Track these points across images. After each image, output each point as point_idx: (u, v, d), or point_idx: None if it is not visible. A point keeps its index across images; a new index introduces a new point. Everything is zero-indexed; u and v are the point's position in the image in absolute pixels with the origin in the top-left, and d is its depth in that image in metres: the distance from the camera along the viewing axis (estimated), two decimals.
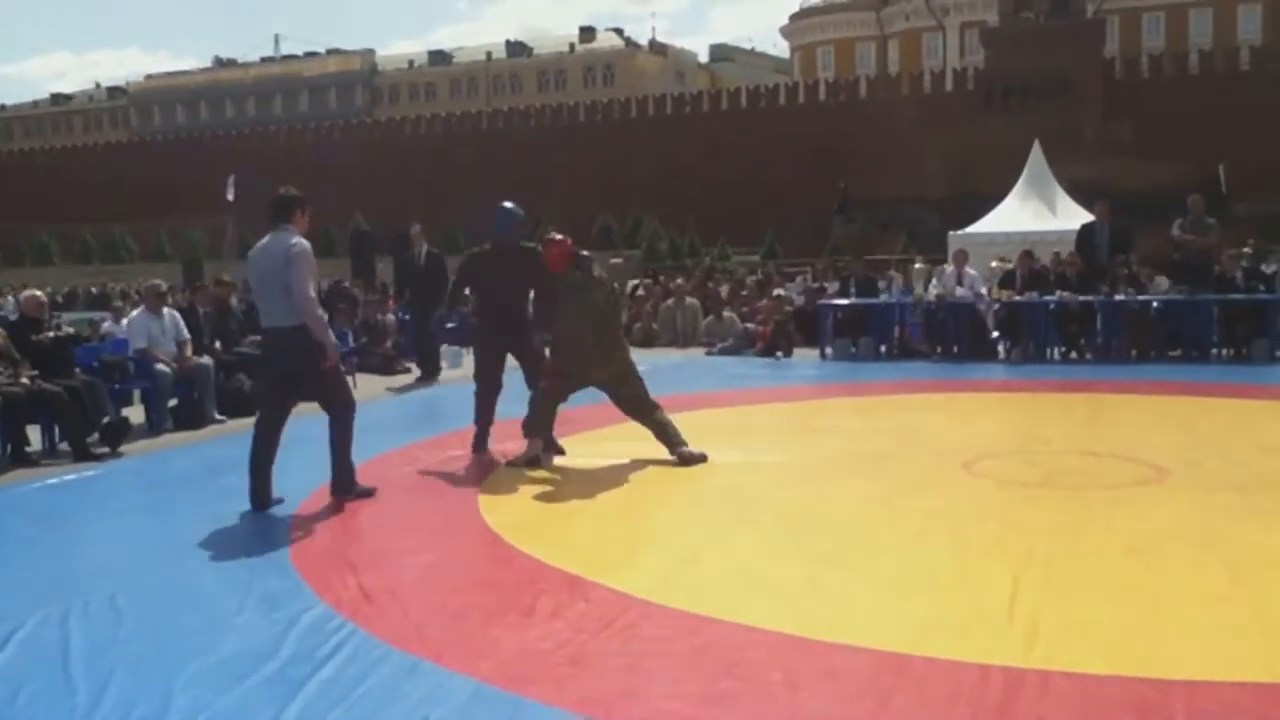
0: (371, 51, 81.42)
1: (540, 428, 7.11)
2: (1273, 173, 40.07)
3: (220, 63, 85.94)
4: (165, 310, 9.57)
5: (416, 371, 13.18)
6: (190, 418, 9.19)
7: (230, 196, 23.41)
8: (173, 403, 9.29)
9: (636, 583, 4.42)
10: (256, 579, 4.63)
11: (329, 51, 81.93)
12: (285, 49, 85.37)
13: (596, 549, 5.05)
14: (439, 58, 79.83)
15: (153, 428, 8.99)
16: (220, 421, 9.30)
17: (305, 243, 5.94)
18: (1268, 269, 16.01)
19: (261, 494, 5.92)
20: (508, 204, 7.61)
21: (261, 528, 5.56)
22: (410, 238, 13.34)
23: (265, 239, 6.05)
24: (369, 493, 6.11)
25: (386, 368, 13.08)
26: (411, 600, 4.30)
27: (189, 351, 9.43)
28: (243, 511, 5.86)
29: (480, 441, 7.57)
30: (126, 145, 71.82)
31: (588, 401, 8.40)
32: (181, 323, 9.58)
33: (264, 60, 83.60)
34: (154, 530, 5.76)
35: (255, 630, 3.99)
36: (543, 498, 6.17)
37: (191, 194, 54.95)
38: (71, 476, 7.22)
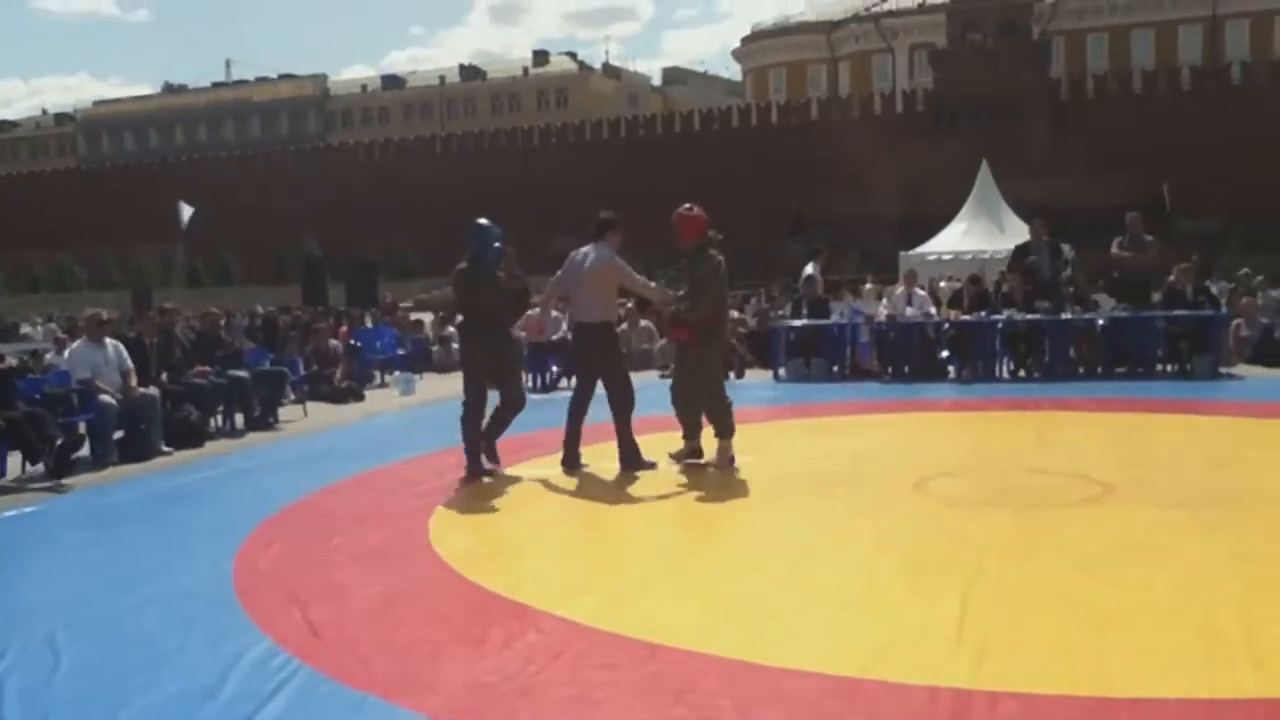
0: (324, 76, 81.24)
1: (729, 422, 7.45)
2: (1214, 190, 40.93)
3: (170, 88, 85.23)
4: (108, 340, 9.41)
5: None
6: (136, 450, 9.00)
7: (184, 223, 23.16)
8: (118, 435, 9.11)
9: (588, 610, 4.39)
10: (200, 615, 4.55)
11: (281, 76, 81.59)
12: (237, 74, 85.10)
13: (548, 577, 5.02)
14: (392, 82, 79.79)
15: (97, 460, 8.79)
16: (167, 453, 9.13)
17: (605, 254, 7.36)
18: (1213, 286, 16.30)
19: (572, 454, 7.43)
20: (483, 220, 7.60)
21: (207, 562, 5.46)
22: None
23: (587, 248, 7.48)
24: (651, 465, 7.27)
25: (337, 396, 12.94)
26: (359, 634, 4.24)
27: (133, 382, 9.27)
28: (188, 545, 5.76)
29: (475, 461, 7.46)
30: (74, 172, 70.99)
31: (543, 426, 8.38)
32: (124, 352, 9.41)
33: (215, 86, 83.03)
34: (97, 566, 5.64)
35: (198, 668, 3.91)
36: (494, 526, 6.13)
37: (141, 221, 54.30)
38: (12, 512, 7.06)
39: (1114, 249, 13.48)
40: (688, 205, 7.62)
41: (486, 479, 7.31)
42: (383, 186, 58.51)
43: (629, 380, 7.55)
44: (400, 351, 16.52)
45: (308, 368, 13.08)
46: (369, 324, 19.61)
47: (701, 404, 7.48)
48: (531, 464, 7.78)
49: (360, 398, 13.23)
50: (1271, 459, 7.38)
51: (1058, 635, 3.97)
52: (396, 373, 15.09)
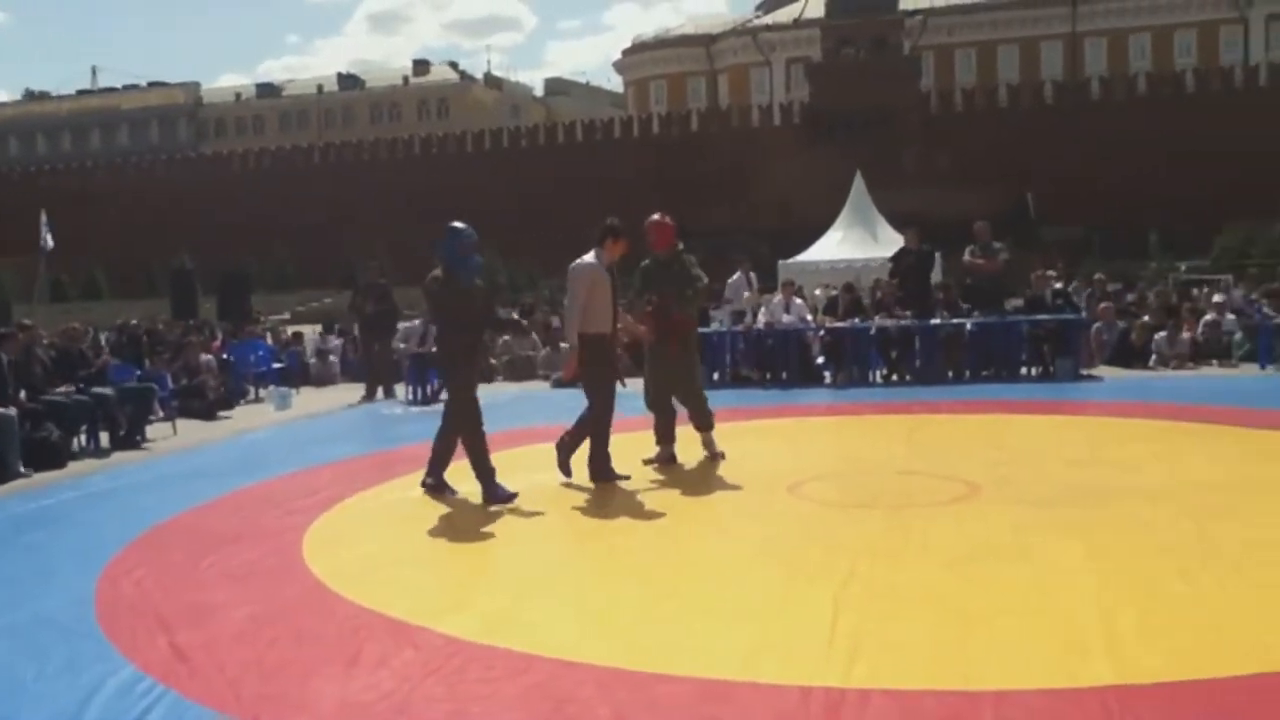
0: (196, 84, 79.02)
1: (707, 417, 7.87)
2: (1075, 199, 42.72)
3: (31, 95, 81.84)
4: None
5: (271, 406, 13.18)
6: None
7: (47, 243, 22.14)
8: None
9: (465, 625, 4.36)
10: (59, 643, 4.37)
11: (150, 84, 79.13)
12: (104, 81, 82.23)
13: (424, 593, 4.96)
14: (268, 90, 78.08)
15: None
16: (26, 475, 8.74)
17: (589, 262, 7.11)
18: (1076, 296, 16.98)
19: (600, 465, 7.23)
20: (458, 224, 7.05)
21: (67, 587, 5.24)
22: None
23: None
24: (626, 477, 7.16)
25: (208, 412, 12.57)
26: (227, 657, 4.12)
27: None
28: (48, 571, 5.53)
29: (491, 484, 6.89)
30: None
31: (420, 440, 8.27)
32: None
33: (80, 93, 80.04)
34: None
35: (56, 698, 3.76)
36: (370, 542, 6.03)
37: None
38: None
39: (966, 256, 13.98)
40: (658, 214, 7.76)
41: (509, 501, 6.74)
42: (258, 197, 57.07)
43: (608, 399, 7.25)
44: (276, 365, 16.14)
45: (177, 383, 12.67)
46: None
47: (674, 403, 7.83)
48: (409, 479, 7.67)
49: (230, 417, 12.85)
50: (1127, 458, 7.72)
51: (926, 633, 4.09)
52: (271, 387, 14.74)
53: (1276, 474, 6.93)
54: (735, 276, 15.57)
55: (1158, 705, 3.38)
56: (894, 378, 13.57)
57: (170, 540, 6.19)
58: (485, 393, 7.52)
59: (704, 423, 8.01)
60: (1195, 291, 19.03)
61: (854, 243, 24.15)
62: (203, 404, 12.69)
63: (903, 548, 5.39)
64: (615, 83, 75.64)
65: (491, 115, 68.60)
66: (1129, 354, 14.17)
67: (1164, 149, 44.88)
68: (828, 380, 13.62)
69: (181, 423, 11.66)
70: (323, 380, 16.54)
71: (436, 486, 7.12)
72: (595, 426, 7.29)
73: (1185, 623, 4.11)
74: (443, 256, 6.93)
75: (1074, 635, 3.99)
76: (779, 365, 13.85)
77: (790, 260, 24.17)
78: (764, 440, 9.26)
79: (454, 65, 78.24)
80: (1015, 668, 3.71)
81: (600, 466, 7.28)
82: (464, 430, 6.91)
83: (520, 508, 6.62)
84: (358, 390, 14.43)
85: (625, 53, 69.55)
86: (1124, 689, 3.47)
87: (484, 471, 6.84)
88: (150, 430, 11.00)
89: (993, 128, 48.36)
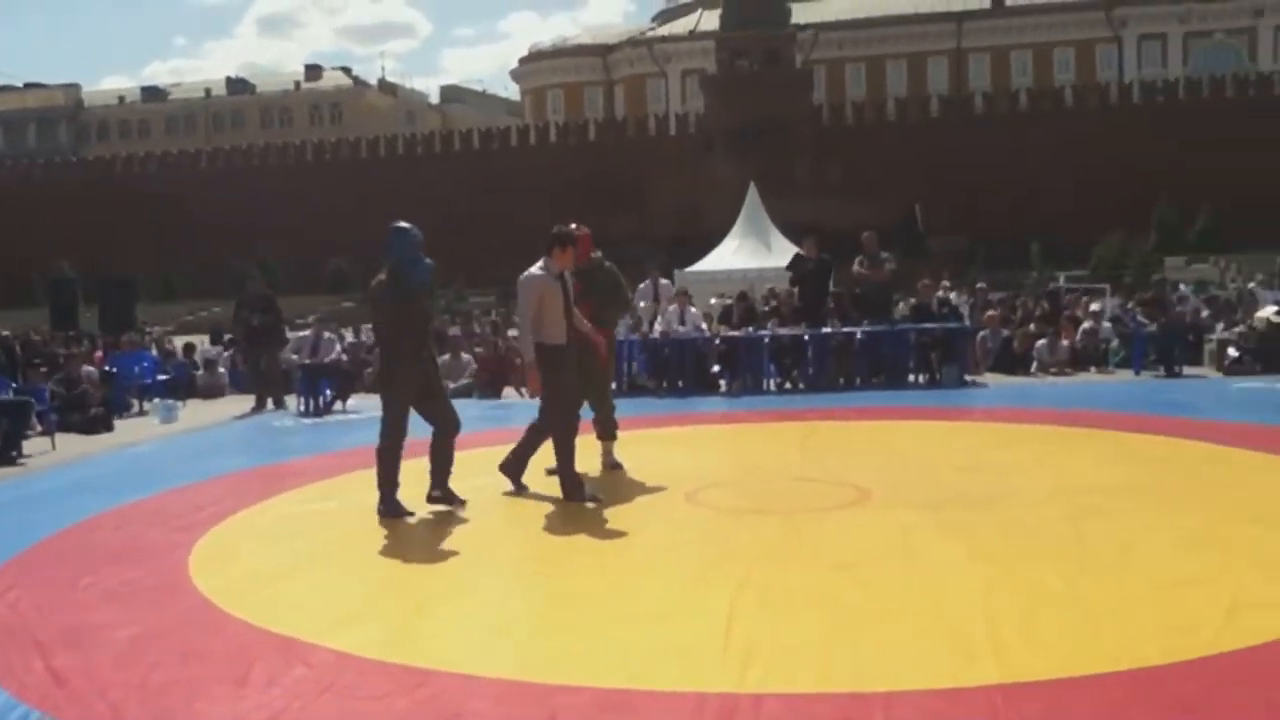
0: (77, 86, 76.34)
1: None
2: (962, 211, 43.99)
3: None
4: None
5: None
6: None
7: None
8: None
9: (359, 640, 4.29)
10: None
11: (27, 85, 76.24)
12: None
13: (317, 609, 4.85)
14: (153, 94, 75.89)
15: None
16: None
17: (535, 274, 6.87)
18: (962, 303, 17.47)
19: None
20: (403, 224, 6.77)
21: None
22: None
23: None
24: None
25: (90, 426, 12.13)
26: (109, 680, 3.98)
27: None
28: None
29: (392, 500, 6.70)
30: None
31: (310, 453, 8.14)
32: None
33: None
34: None
35: None
36: (261, 558, 5.89)
37: None
38: None
39: (855, 267, 14.29)
40: (574, 224, 7.55)
41: (410, 518, 6.59)
42: (144, 203, 55.41)
43: (567, 411, 7.07)
44: (161, 377, 15.66)
45: (56, 396, 12.21)
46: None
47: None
48: (301, 492, 7.52)
49: (110, 428, 12.43)
50: (1010, 462, 7.97)
51: (818, 636, 4.16)
52: (156, 400, 14.30)
53: (1149, 476, 7.22)
54: (644, 284, 15.64)
55: (1041, 702, 3.49)
56: (788, 386, 13.79)
57: (47, 559, 5.96)
58: (378, 401, 7.37)
59: (611, 431, 8.05)
60: (1067, 298, 19.74)
61: (749, 252, 24.47)
62: (84, 418, 12.24)
63: (796, 552, 5.48)
64: (512, 91, 75.44)
65: (386, 122, 67.74)
66: (1012, 361, 14.64)
67: (1044, 162, 46.55)
68: (723, 388, 13.77)
69: (61, 437, 11.23)
70: (211, 392, 16.10)
71: (444, 498, 6.84)
72: (557, 444, 7.03)
73: (1065, 621, 4.25)
74: (395, 258, 6.64)
75: (961, 636, 4.10)
76: (675, 374, 13.95)
77: (687, 270, 24.37)
78: (661, 448, 9.31)
79: (347, 71, 77.11)
80: (904, 668, 3.79)
81: (570, 486, 6.95)
82: (388, 438, 6.65)
83: (415, 521, 6.54)
84: (246, 402, 14.10)
85: (522, 61, 69.40)
86: (1009, 687, 3.58)
87: (387, 483, 6.68)
88: (27, 445, 10.59)
89: (882, 140, 49.57)
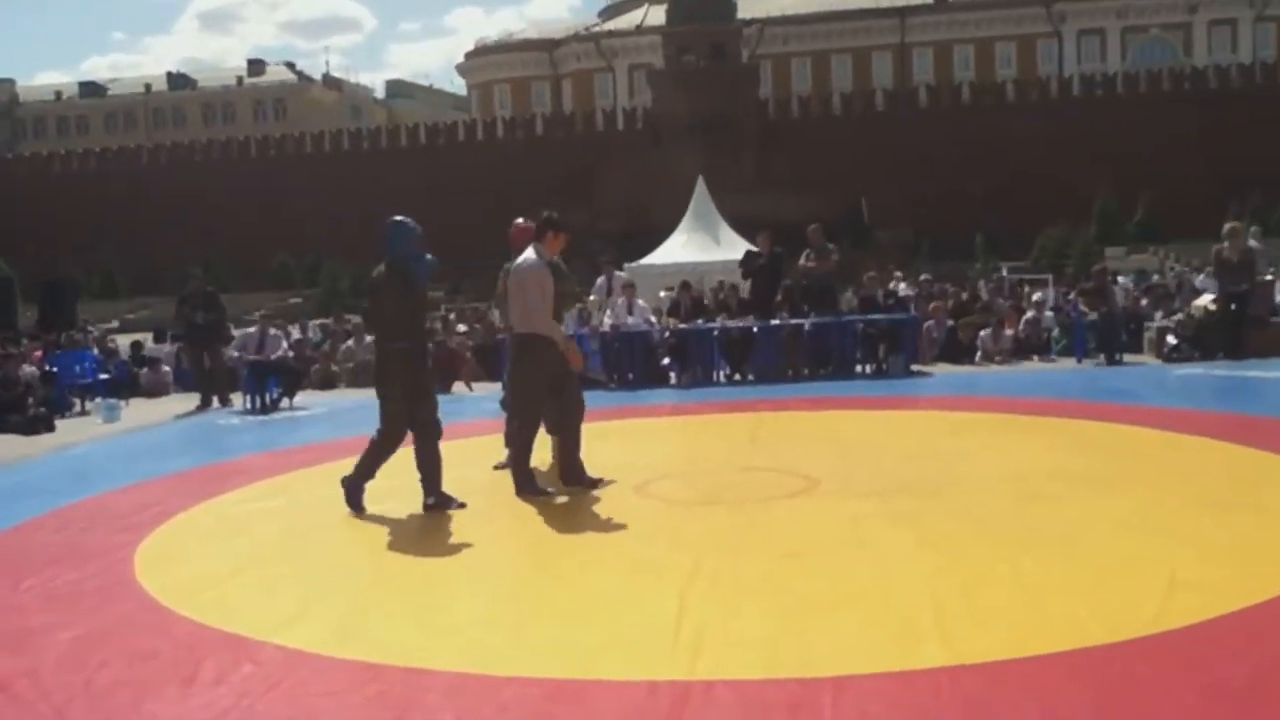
0: (12, 81, 74.83)
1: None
2: (907, 204, 44.46)
3: None
4: None
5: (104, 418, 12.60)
6: None
7: None
8: None
9: (308, 637, 4.26)
10: None
11: None
12: None
13: (265, 606, 4.81)
14: (91, 89, 74.54)
15: None
16: None
17: (533, 261, 6.70)
18: (907, 291, 17.68)
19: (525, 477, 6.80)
20: (401, 218, 6.65)
21: None
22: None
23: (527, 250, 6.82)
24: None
25: (29, 427, 11.90)
26: (53, 683, 3.91)
27: None
28: None
29: (357, 497, 6.62)
30: None
31: (255, 450, 8.05)
32: None
33: None
34: None
35: None
36: (207, 557, 5.82)
37: None
38: None
39: (802, 260, 14.42)
40: (522, 218, 7.42)
41: (360, 514, 6.51)
42: (82, 200, 54.42)
43: (534, 404, 6.93)
44: (103, 376, 15.39)
45: None
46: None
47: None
48: (247, 490, 7.44)
49: (54, 430, 12.20)
50: (956, 449, 8.06)
51: (767, 623, 4.20)
52: (99, 399, 14.05)
53: (1090, 462, 7.34)
54: (600, 279, 15.64)
55: (985, 683, 3.54)
56: (737, 377, 13.87)
57: None
58: (325, 399, 7.33)
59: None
60: (1004, 290, 20.05)
61: (697, 246, 24.54)
62: (23, 418, 12.00)
63: (746, 542, 5.52)
64: (458, 85, 75.09)
65: (331, 117, 67.16)
66: (957, 350, 14.83)
67: (987, 154, 47.18)
68: (673, 381, 13.82)
69: (0, 439, 11.02)
70: (154, 391, 15.85)
71: (440, 503, 6.59)
72: (518, 435, 6.94)
73: (1010, 604, 4.33)
74: (398, 254, 6.50)
75: (908, 621, 4.15)
76: (625, 367, 13.98)
77: (635, 264, 24.40)
78: (611, 441, 9.30)
79: (291, 66, 76.29)
80: (853, 654, 3.84)
81: (522, 479, 6.86)
82: (386, 435, 6.58)
83: (363, 516, 6.50)
84: (191, 400, 13.91)
85: (468, 56, 69.09)
86: (954, 670, 3.63)
87: (361, 474, 6.61)
88: None
89: (828, 134, 49.96)
